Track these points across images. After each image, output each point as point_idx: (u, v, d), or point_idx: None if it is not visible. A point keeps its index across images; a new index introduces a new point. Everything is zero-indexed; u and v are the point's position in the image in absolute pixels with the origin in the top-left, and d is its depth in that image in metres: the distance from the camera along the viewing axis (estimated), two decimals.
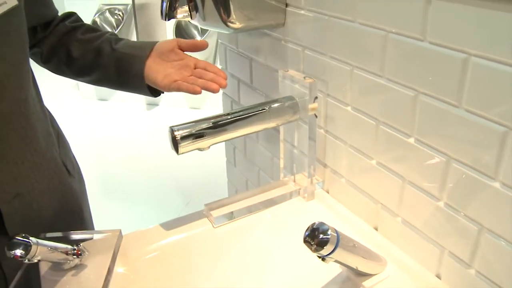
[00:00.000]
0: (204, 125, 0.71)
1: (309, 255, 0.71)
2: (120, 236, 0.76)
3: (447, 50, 0.55)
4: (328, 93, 0.80)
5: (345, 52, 0.73)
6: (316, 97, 0.79)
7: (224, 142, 1.27)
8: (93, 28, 0.85)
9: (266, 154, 1.06)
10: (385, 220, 0.74)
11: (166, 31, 3.23)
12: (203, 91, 0.77)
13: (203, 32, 3.06)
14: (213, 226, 0.79)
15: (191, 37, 3.10)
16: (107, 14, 3.42)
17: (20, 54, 0.66)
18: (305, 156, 0.88)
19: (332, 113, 0.80)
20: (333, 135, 0.82)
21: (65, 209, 0.80)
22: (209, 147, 0.73)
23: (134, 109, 3.58)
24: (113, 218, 2.15)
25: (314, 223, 0.59)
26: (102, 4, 3.44)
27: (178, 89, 0.77)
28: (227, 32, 0.89)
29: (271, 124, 0.78)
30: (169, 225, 0.79)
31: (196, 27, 3.11)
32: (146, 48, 0.80)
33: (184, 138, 0.69)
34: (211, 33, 2.89)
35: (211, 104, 3.41)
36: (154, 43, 0.81)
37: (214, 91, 0.77)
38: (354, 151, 0.77)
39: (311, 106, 0.79)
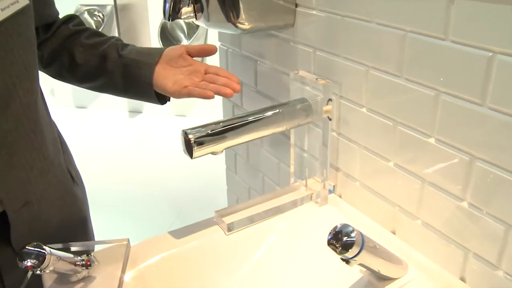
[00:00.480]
0: (218, 128, 0.74)
1: (327, 261, 0.74)
2: (128, 245, 0.78)
3: (471, 48, 0.59)
4: (341, 94, 0.83)
5: (360, 52, 0.77)
6: (330, 99, 0.82)
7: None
8: (98, 33, 0.87)
9: (272, 159, 1.09)
10: (403, 223, 0.77)
11: (150, 33, 3.25)
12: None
13: (189, 35, 3.09)
14: (225, 233, 0.81)
15: (177, 40, 3.13)
16: (86, 15, 3.42)
17: (31, 55, 0.68)
18: (316, 160, 0.91)
19: (345, 115, 0.84)
20: (347, 138, 0.85)
21: (70, 219, 0.81)
22: (222, 151, 0.76)
23: (115, 117, 3.59)
24: (97, 233, 2.15)
25: (336, 226, 0.62)
26: (81, 5, 3.45)
27: (189, 95, 0.80)
28: (235, 33, 0.92)
29: (284, 127, 0.81)
30: (178, 233, 0.82)
31: (182, 30, 3.14)
32: (154, 54, 0.82)
33: (198, 141, 0.72)
34: (198, 35, 2.93)
35: (198, 111, 3.44)
36: (163, 49, 0.84)
37: (227, 95, 0.80)
38: (369, 153, 0.81)
39: (325, 108, 0.82)
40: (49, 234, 0.77)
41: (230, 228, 0.81)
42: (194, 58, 0.84)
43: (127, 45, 0.86)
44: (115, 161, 2.89)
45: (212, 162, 2.77)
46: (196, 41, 2.99)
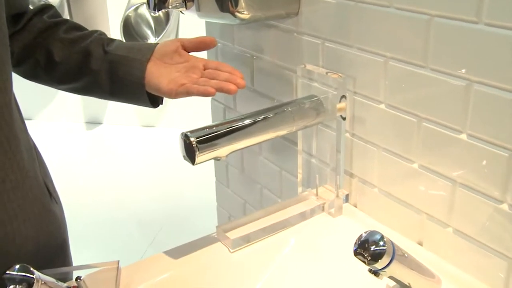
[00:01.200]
0: (223, 130, 0.76)
1: (346, 280, 0.76)
2: (118, 269, 0.79)
3: (509, 31, 0.62)
4: (355, 90, 0.86)
5: (377, 42, 0.80)
6: (344, 96, 0.85)
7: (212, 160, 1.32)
8: (78, 26, 0.88)
9: (272, 168, 1.11)
10: (432, 232, 0.80)
11: (110, 29, 3.25)
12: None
13: (157, 31, 3.10)
14: (229, 250, 0.83)
15: (142, 36, 3.14)
16: None
17: (3, 48, 0.69)
18: (327, 166, 0.93)
19: (360, 114, 0.87)
20: (362, 139, 0.88)
21: (48, 242, 0.81)
22: (226, 156, 0.78)
23: (69, 129, 3.56)
24: None
25: (361, 235, 0.64)
26: None
27: (188, 93, 0.81)
28: (232, 23, 0.94)
29: (294, 128, 0.84)
30: (175, 253, 0.83)
31: (148, 25, 3.15)
32: (146, 50, 0.83)
33: (201, 145, 0.73)
34: (168, 32, 2.94)
35: (169, 122, 3.44)
36: (155, 45, 0.85)
37: (230, 92, 0.81)
38: (389, 155, 0.83)
39: (338, 106, 0.85)
40: (25, 259, 0.77)
41: (235, 244, 0.83)
42: (190, 53, 0.86)
43: (113, 40, 0.86)
44: (72, 181, 2.87)
45: (196, 175, 2.79)
46: (166, 38, 3.00)
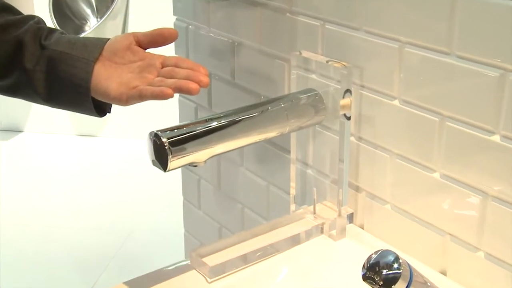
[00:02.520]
0: (202, 129, 0.80)
1: None
2: None
3: None
4: (362, 83, 0.91)
5: (390, 23, 0.85)
6: (349, 90, 0.90)
7: (180, 171, 1.35)
8: (8, 7, 0.89)
9: (257, 182, 1.15)
10: (458, 257, 0.84)
11: (34, 6, 3.24)
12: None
13: (100, 11, 3.12)
14: (207, 280, 0.86)
15: (80, 18, 3.15)
16: None
17: None
18: (327, 178, 0.98)
19: (369, 112, 0.91)
20: (371, 143, 0.92)
21: None
22: (205, 161, 0.82)
23: None
24: None
25: (371, 256, 0.68)
26: None
27: (140, 97, 0.83)
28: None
29: (285, 129, 0.88)
30: (138, 284, 0.86)
31: (88, 2, 3.16)
32: (93, 47, 0.86)
33: (176, 147, 0.77)
34: (114, 12, 2.96)
35: (116, 130, 3.44)
36: (104, 41, 0.88)
37: (191, 91, 0.83)
38: (404, 163, 0.88)
39: (341, 102, 0.90)
40: None
41: (214, 273, 0.86)
42: (147, 50, 0.88)
43: (53, 30, 0.89)
44: None
45: (154, 194, 2.81)
46: (112, 20, 3.02)
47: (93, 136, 3.52)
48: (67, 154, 3.41)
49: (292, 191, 1.01)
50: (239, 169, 1.18)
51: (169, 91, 0.81)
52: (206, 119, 0.82)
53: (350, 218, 0.99)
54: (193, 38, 1.20)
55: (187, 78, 0.83)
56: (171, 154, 0.77)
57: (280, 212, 1.11)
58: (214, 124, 0.82)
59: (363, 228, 0.98)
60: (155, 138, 0.78)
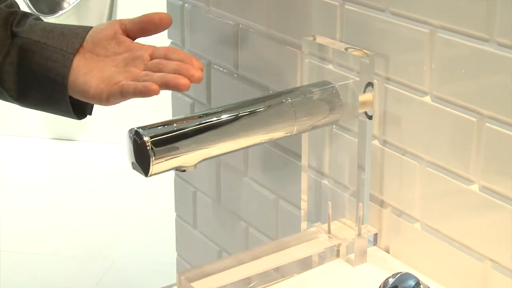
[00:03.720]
0: (189, 127, 0.84)
1: None
2: None
3: None
4: (388, 75, 0.94)
5: (420, 3, 0.88)
6: (371, 84, 0.93)
7: (173, 181, 1.38)
8: None
9: (264, 195, 1.18)
10: (500, 287, 0.86)
11: None
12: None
13: None
14: None
15: None
16: None
17: None
18: (345, 190, 1.01)
19: (395, 110, 0.94)
20: (398, 148, 0.95)
21: None
22: (195, 165, 0.86)
23: None
24: None
25: (387, 280, 0.72)
26: None
27: (122, 95, 0.87)
28: None
29: (293, 128, 0.92)
30: None
31: None
32: (73, 37, 0.90)
33: (159, 147, 0.81)
34: None
35: (100, 134, 3.46)
36: (86, 30, 0.92)
37: (179, 87, 0.86)
38: (437, 172, 0.91)
39: (361, 98, 0.93)
40: None
41: None
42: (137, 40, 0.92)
43: (27, 15, 0.92)
44: None
45: (142, 210, 2.79)
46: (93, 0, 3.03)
47: (72, 140, 3.57)
48: (40, 160, 3.46)
49: (304, 205, 1.04)
50: (242, 179, 1.22)
51: (154, 86, 0.84)
52: (197, 115, 0.86)
53: (374, 239, 1.02)
54: (189, 20, 1.23)
55: (176, 72, 0.86)
56: (154, 155, 0.80)
57: (290, 232, 1.11)
58: (207, 120, 0.85)
59: (388, 252, 1.00)
60: (136, 137, 0.81)
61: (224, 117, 0.87)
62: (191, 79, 0.86)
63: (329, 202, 1.01)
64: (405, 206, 0.97)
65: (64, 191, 3.17)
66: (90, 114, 0.95)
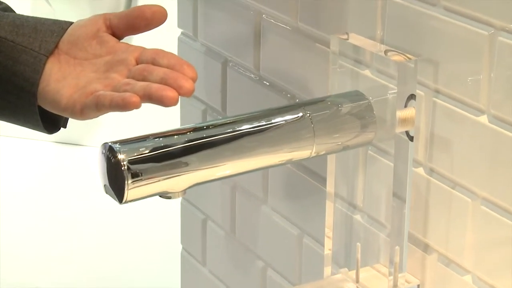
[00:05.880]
0: (176, 144, 0.81)
1: None
2: None
3: None
4: (437, 86, 0.91)
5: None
6: (413, 96, 0.90)
7: (180, 206, 1.36)
8: None
9: (286, 228, 1.16)
10: None
11: None
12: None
13: None
14: None
15: None
16: None
17: None
18: (381, 228, 0.98)
19: (445, 131, 0.91)
20: (447, 179, 0.92)
21: None
22: (184, 191, 0.83)
23: None
24: None
25: None
26: None
27: (97, 107, 0.85)
28: None
29: (312, 150, 0.89)
30: None
31: None
32: (48, 35, 0.90)
33: (136, 165, 0.78)
34: None
35: (107, 139, 3.48)
36: (65, 26, 0.91)
37: (163, 101, 0.84)
38: (495, 213, 0.87)
39: (400, 114, 0.90)
40: None
41: None
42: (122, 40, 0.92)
43: None
44: None
45: (144, 241, 2.80)
46: None
47: (77, 144, 3.63)
48: (42, 164, 3.54)
49: (328, 244, 1.01)
50: (261, 207, 1.20)
51: (134, 98, 0.83)
52: (188, 128, 0.84)
53: None
54: (204, 6, 1.22)
55: (162, 82, 0.85)
56: (130, 178, 0.78)
57: (315, 275, 1.11)
58: (199, 136, 0.83)
59: None
60: (109, 153, 0.80)
61: (221, 132, 0.84)
62: (180, 91, 0.84)
63: (358, 244, 0.97)
64: (455, 253, 0.94)
65: (65, 198, 3.26)
66: (64, 127, 0.95)
